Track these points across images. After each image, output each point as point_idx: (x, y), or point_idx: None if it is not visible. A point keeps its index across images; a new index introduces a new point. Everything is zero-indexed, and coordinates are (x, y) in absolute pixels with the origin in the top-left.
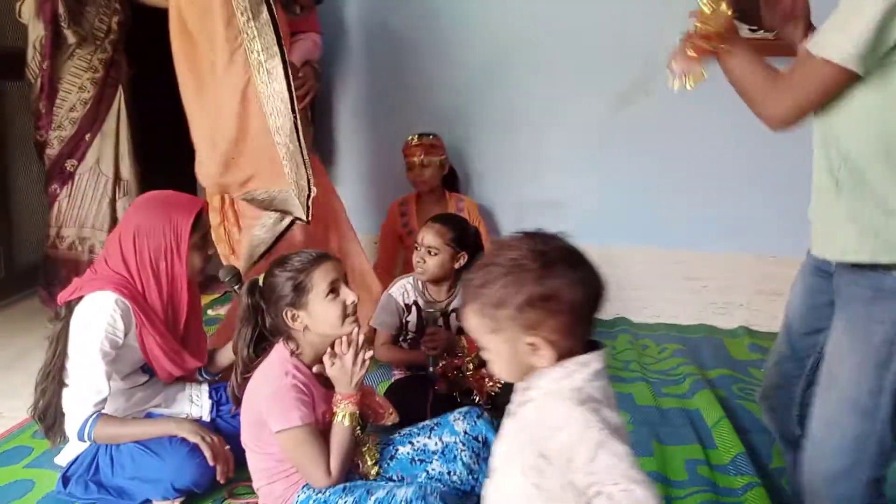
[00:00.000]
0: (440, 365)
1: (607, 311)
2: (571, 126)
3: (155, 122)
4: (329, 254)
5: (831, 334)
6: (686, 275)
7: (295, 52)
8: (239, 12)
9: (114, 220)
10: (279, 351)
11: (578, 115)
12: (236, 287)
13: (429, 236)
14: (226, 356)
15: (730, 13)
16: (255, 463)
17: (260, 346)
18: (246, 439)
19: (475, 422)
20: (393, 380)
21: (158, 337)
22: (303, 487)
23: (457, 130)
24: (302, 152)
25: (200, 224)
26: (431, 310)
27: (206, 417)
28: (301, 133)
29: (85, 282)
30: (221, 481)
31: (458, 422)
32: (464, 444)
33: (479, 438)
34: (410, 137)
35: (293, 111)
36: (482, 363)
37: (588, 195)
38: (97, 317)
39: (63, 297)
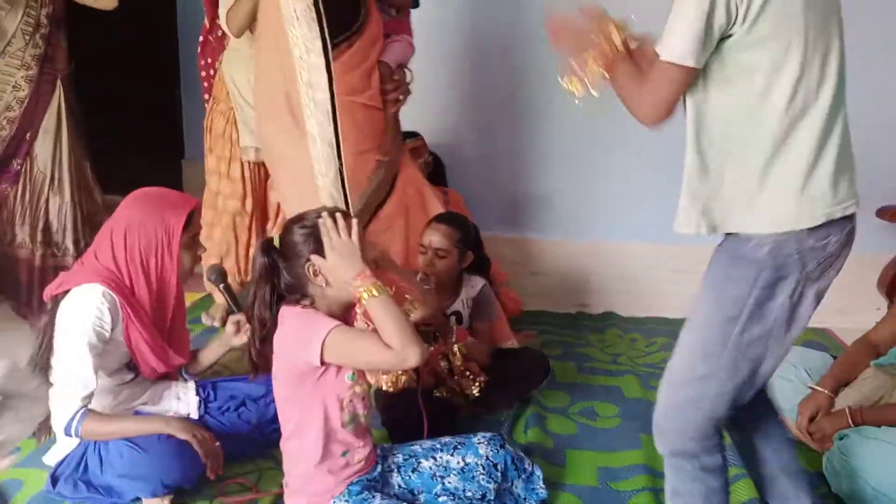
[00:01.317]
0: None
1: (596, 306)
2: (561, 121)
3: (105, 116)
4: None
5: (700, 291)
6: (674, 268)
7: (389, 54)
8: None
9: (46, 220)
10: (291, 309)
11: (568, 111)
12: (221, 286)
13: (437, 238)
14: (208, 356)
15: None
16: (292, 447)
17: (275, 308)
18: (282, 408)
19: (498, 450)
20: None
21: (145, 332)
22: (334, 498)
23: (444, 123)
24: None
25: (192, 223)
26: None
27: (195, 414)
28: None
29: (72, 275)
30: (211, 477)
31: (482, 445)
32: (483, 469)
33: (499, 467)
34: None
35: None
36: (476, 358)
37: (576, 190)
38: (84, 309)
39: (49, 291)
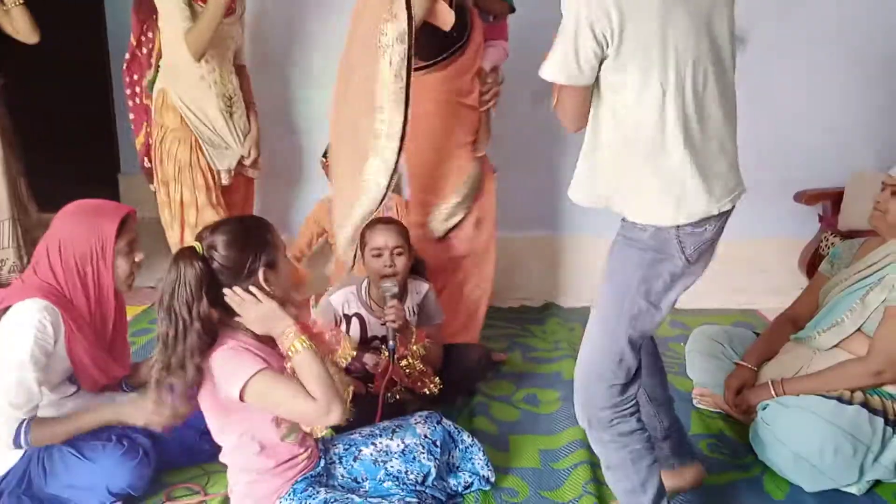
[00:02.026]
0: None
1: (537, 298)
2: (515, 121)
3: (76, 132)
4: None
5: (603, 270)
6: None
7: (486, 58)
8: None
9: None
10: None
11: (524, 111)
12: None
13: (392, 237)
14: (148, 370)
15: None
16: (234, 460)
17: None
18: (216, 434)
19: (435, 427)
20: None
21: (87, 344)
22: (281, 498)
23: None
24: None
25: (126, 229)
26: (380, 320)
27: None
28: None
29: (12, 291)
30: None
31: (420, 425)
32: (423, 447)
33: (437, 443)
34: (326, 155)
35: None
36: (428, 360)
37: (516, 187)
38: (25, 324)
39: None
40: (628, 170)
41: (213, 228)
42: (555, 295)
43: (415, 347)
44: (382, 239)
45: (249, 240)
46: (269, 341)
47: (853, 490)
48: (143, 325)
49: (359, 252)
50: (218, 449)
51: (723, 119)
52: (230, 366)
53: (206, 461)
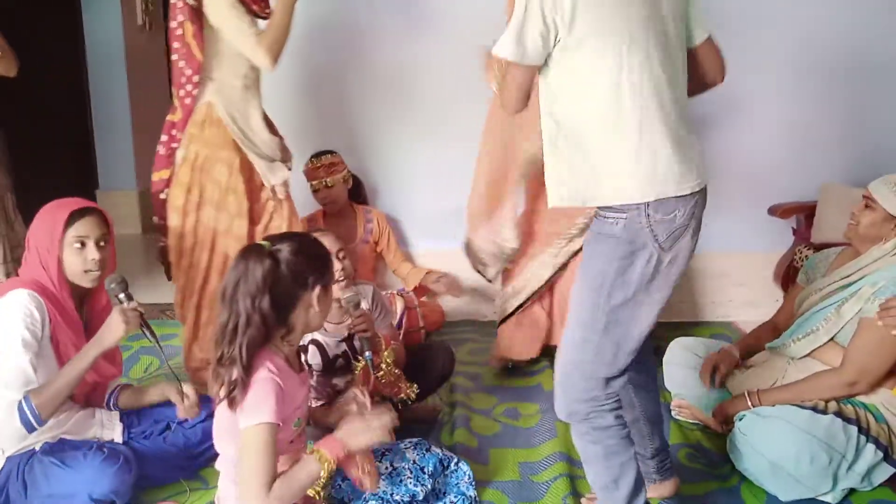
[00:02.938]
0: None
1: None
2: (475, 139)
3: (54, 149)
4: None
5: (579, 266)
6: None
7: None
8: None
9: None
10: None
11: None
12: (120, 296)
13: (333, 242)
14: (144, 399)
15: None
16: (228, 470)
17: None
18: (218, 439)
19: (424, 454)
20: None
21: (72, 334)
22: None
23: (362, 145)
24: None
25: (79, 224)
26: (338, 338)
27: (119, 439)
28: None
29: (1, 288)
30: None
31: (409, 451)
32: (411, 472)
33: (426, 470)
34: (310, 161)
35: None
36: (397, 363)
37: None
38: (12, 310)
39: None
40: (591, 153)
41: (281, 237)
42: None
43: (385, 353)
44: (332, 243)
45: (314, 254)
46: (298, 366)
47: (828, 498)
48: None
49: None
50: (196, 466)
51: (674, 103)
52: (254, 398)
53: (186, 477)
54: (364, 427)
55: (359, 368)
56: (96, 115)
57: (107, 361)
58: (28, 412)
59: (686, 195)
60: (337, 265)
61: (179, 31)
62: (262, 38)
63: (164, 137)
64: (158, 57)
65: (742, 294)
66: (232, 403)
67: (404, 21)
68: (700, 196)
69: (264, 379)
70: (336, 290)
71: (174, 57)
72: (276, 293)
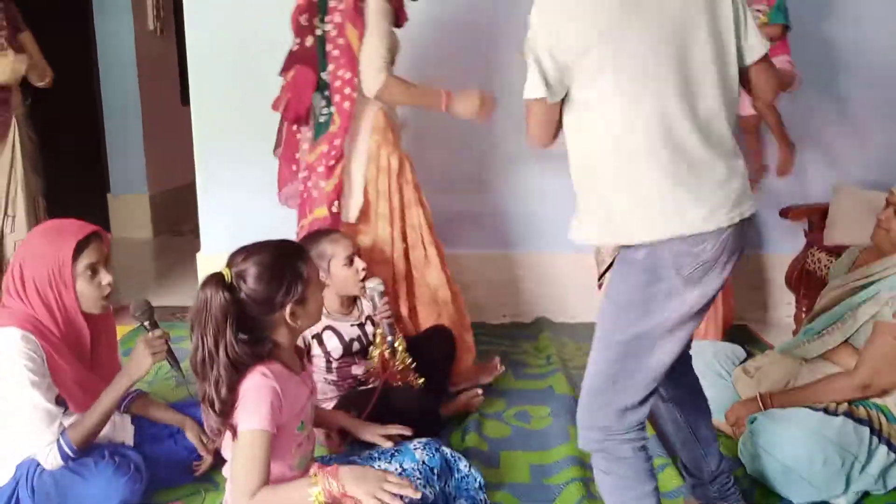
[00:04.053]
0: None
1: (529, 314)
2: (480, 140)
3: (65, 153)
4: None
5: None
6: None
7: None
8: None
9: (2, 258)
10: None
11: (487, 130)
12: (146, 323)
13: (352, 243)
14: (158, 415)
15: None
16: None
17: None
18: (225, 447)
19: (433, 454)
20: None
21: (68, 367)
22: None
23: None
24: None
25: (87, 251)
26: (350, 322)
27: (130, 442)
28: None
29: None
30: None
31: (419, 451)
32: (420, 473)
33: (435, 471)
34: None
35: None
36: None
37: (501, 204)
38: (12, 356)
39: None
40: (605, 194)
41: (247, 255)
42: (545, 311)
43: (398, 342)
44: (349, 246)
45: (280, 273)
46: (296, 367)
47: (841, 501)
48: (133, 344)
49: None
50: (217, 463)
51: (698, 132)
52: (249, 403)
53: (199, 480)
54: (373, 481)
55: (375, 354)
56: (108, 120)
57: (105, 383)
58: (67, 449)
59: (713, 230)
60: (358, 264)
61: (336, 34)
62: (385, 69)
63: (324, 148)
64: (170, 62)
65: (754, 296)
66: (226, 418)
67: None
68: (736, 228)
69: (258, 385)
70: (355, 287)
71: (331, 66)
72: (243, 322)
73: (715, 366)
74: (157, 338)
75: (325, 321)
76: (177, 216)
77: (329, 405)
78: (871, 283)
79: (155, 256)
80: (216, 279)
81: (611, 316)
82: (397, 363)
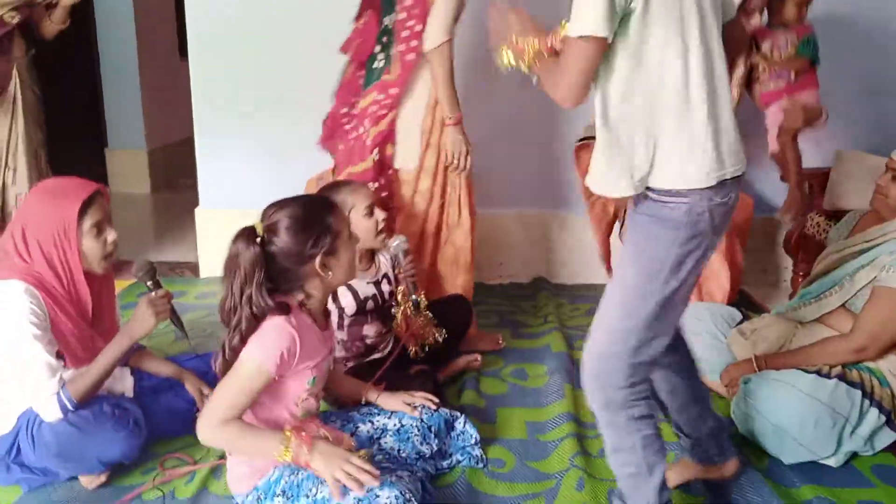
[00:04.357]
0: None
1: (527, 273)
2: (485, 101)
3: (63, 108)
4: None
5: (623, 250)
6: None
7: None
8: None
9: (4, 209)
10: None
11: (490, 92)
12: (149, 283)
13: (372, 193)
14: (154, 367)
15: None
16: None
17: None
18: None
19: (432, 413)
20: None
21: (70, 324)
22: (275, 468)
23: None
24: None
25: (91, 210)
26: (367, 280)
27: (130, 394)
28: None
29: None
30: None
31: (417, 409)
32: (418, 430)
33: (433, 429)
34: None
35: None
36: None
37: (504, 165)
38: (15, 308)
39: None
40: (653, 134)
41: (278, 208)
42: (543, 271)
43: (420, 298)
44: (370, 196)
45: (310, 224)
46: (321, 323)
47: (831, 462)
48: (131, 299)
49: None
50: None
51: (725, 79)
52: (263, 339)
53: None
54: (336, 459)
55: (399, 313)
56: (105, 73)
57: (105, 340)
58: (67, 401)
59: (738, 176)
60: (378, 215)
61: None
62: (449, 31)
63: (379, 96)
64: (167, 16)
65: (752, 260)
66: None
67: None
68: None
69: (278, 326)
70: (375, 239)
71: (401, 15)
72: (273, 273)
73: (711, 328)
74: (160, 297)
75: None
76: (175, 171)
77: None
78: (870, 248)
79: (153, 212)
80: (247, 232)
81: (645, 277)
82: (420, 320)
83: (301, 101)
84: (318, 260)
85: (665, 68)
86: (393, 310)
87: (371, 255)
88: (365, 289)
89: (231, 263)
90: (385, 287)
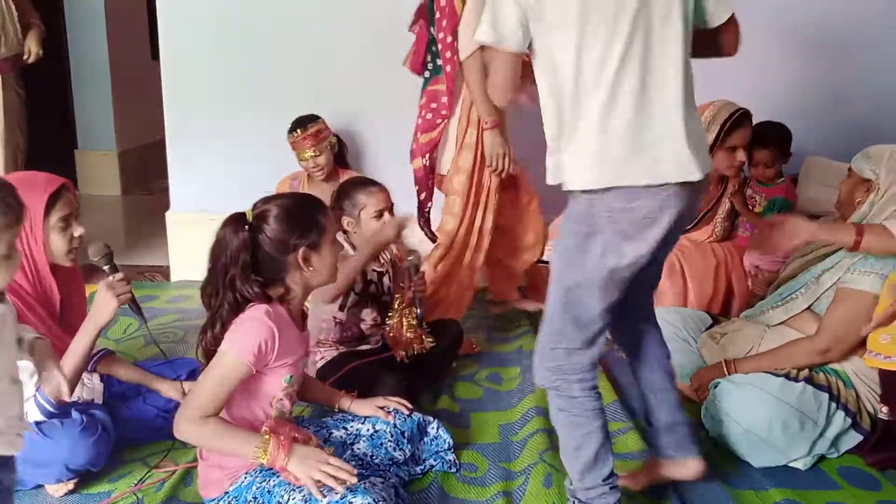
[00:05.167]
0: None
1: None
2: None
3: (33, 109)
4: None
5: None
6: None
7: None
8: None
9: None
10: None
11: None
12: (106, 267)
13: (388, 197)
14: (123, 374)
15: None
16: None
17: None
18: None
19: (405, 418)
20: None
21: (39, 324)
22: (247, 473)
23: (348, 107)
24: None
25: (59, 204)
26: (374, 268)
27: (99, 400)
28: None
29: None
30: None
31: (391, 414)
32: (391, 436)
33: (406, 435)
34: (295, 131)
35: None
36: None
37: None
38: None
39: None
40: (553, 138)
41: (271, 199)
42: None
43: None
44: (383, 201)
45: (299, 216)
46: (301, 324)
47: (799, 465)
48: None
49: (352, 215)
50: None
51: (653, 89)
52: (241, 331)
53: (165, 438)
54: (313, 462)
55: (395, 317)
56: (75, 75)
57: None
58: (45, 403)
59: (652, 186)
60: (387, 219)
61: None
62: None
63: (431, 104)
64: (139, 17)
65: None
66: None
67: None
68: (679, 189)
69: (255, 318)
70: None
71: (436, 33)
72: (257, 262)
73: (682, 332)
74: (119, 281)
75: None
76: (146, 174)
77: (327, 350)
78: (835, 251)
79: (123, 214)
80: (236, 218)
81: (556, 263)
82: (416, 331)
83: (274, 103)
84: (301, 252)
85: (558, 73)
86: (389, 316)
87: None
88: (372, 274)
89: (217, 248)
90: (385, 281)
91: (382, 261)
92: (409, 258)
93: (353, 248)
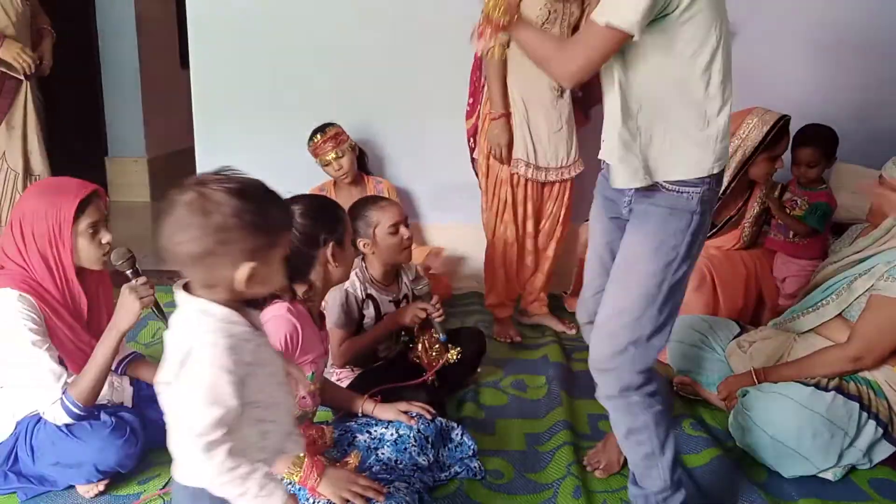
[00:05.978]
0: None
1: None
2: None
3: (64, 116)
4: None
5: (626, 242)
6: None
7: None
8: None
9: None
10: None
11: None
12: (128, 271)
13: (401, 211)
14: (149, 376)
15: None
16: None
17: None
18: None
19: (428, 423)
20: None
21: (67, 330)
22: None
23: (369, 117)
24: None
25: (89, 210)
26: (389, 298)
27: (129, 403)
28: None
29: None
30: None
31: (414, 419)
32: (415, 441)
33: (429, 439)
34: (315, 137)
35: None
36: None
37: None
38: (10, 315)
39: None
40: (674, 126)
41: (293, 199)
42: None
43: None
44: (397, 214)
45: (324, 213)
46: (320, 324)
47: (829, 476)
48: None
49: (367, 234)
50: None
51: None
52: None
53: None
54: (343, 482)
55: (419, 343)
56: (106, 82)
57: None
58: (71, 406)
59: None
60: (404, 233)
61: None
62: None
63: (469, 98)
64: (169, 25)
65: None
66: None
67: None
68: None
69: (277, 315)
70: (401, 254)
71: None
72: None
73: (709, 340)
74: (142, 285)
75: (370, 288)
76: (175, 180)
77: (342, 371)
78: (868, 256)
79: (152, 220)
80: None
81: (657, 266)
82: (443, 356)
83: (301, 110)
84: (330, 247)
85: (691, 63)
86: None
87: (396, 274)
88: (387, 306)
89: None
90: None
91: (398, 288)
92: (418, 288)
93: (372, 280)
